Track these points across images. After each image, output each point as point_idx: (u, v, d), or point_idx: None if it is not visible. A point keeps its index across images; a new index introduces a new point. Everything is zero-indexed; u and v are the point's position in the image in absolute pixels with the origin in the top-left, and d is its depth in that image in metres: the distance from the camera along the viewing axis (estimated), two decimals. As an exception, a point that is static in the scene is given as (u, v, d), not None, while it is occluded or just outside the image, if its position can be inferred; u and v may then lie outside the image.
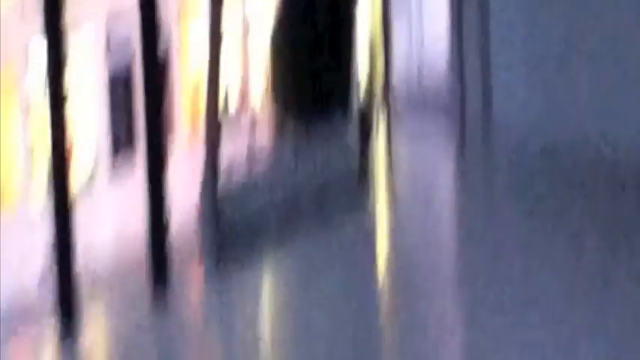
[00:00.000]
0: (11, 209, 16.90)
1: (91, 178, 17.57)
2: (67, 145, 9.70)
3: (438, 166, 10.78)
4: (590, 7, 8.64)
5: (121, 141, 17.90)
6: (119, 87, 17.88)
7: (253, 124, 17.39)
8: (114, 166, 17.67)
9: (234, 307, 7.68)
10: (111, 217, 17.37)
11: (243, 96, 18.00)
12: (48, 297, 10.26)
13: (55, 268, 9.72)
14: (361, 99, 10.96)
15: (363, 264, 7.48)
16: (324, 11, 10.99)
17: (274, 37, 12.80)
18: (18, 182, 17.41)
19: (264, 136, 16.38)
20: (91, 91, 17.34)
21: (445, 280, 5.94)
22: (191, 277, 10.21)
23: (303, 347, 5.46)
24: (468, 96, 11.19)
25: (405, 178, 10.70)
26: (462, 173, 9.94)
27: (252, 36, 18.10)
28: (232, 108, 17.85)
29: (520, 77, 9.40)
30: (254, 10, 17.99)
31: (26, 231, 16.75)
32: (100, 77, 17.48)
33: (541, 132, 8.87)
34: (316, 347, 5.43)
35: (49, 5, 9.23)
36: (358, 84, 12.68)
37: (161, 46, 10.09)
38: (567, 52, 8.83)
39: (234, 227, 10.36)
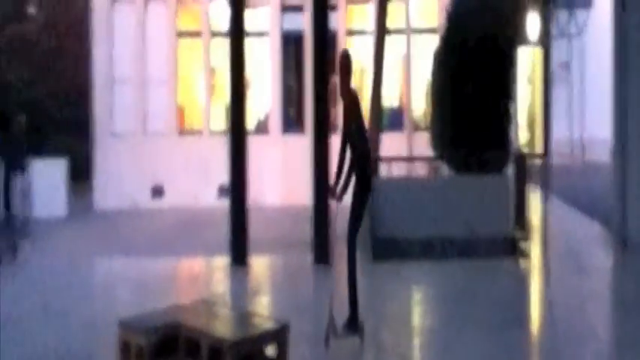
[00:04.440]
0: (196, 129, 18.36)
1: (264, 123, 17.74)
2: (245, 86, 10.58)
3: (591, 250, 10.69)
4: None
5: (290, 112, 18.02)
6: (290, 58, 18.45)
7: (411, 136, 17.16)
8: (284, 127, 18.35)
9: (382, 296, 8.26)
10: (279, 168, 18.18)
11: (404, 106, 17.77)
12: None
13: (230, 194, 10.41)
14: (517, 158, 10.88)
15: (506, 312, 7.44)
16: (484, 70, 10.57)
17: (434, 81, 12.66)
18: (201, 109, 17.87)
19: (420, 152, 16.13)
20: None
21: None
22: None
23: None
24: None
25: (558, 250, 10.82)
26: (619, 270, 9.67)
27: (414, 59, 17.62)
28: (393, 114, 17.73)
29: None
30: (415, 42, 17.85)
31: (208, 149, 17.36)
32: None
33: None
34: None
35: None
36: (515, 146, 12.38)
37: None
38: None
39: (385, 224, 10.35)
